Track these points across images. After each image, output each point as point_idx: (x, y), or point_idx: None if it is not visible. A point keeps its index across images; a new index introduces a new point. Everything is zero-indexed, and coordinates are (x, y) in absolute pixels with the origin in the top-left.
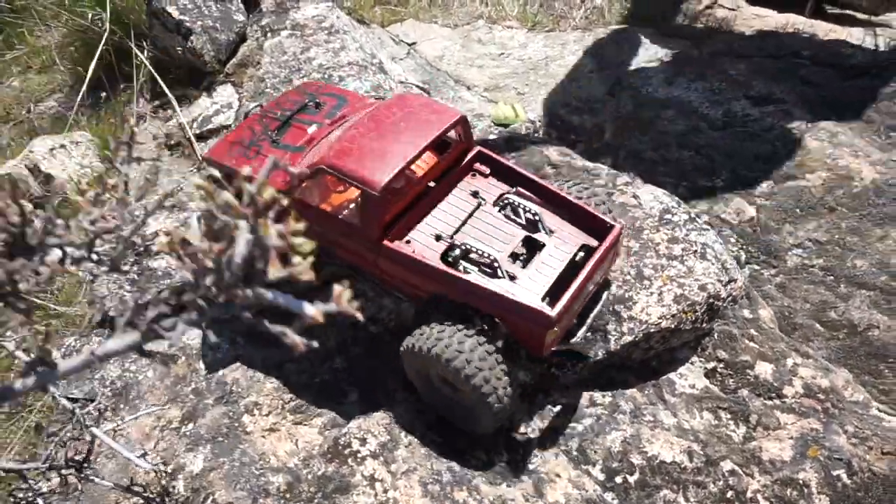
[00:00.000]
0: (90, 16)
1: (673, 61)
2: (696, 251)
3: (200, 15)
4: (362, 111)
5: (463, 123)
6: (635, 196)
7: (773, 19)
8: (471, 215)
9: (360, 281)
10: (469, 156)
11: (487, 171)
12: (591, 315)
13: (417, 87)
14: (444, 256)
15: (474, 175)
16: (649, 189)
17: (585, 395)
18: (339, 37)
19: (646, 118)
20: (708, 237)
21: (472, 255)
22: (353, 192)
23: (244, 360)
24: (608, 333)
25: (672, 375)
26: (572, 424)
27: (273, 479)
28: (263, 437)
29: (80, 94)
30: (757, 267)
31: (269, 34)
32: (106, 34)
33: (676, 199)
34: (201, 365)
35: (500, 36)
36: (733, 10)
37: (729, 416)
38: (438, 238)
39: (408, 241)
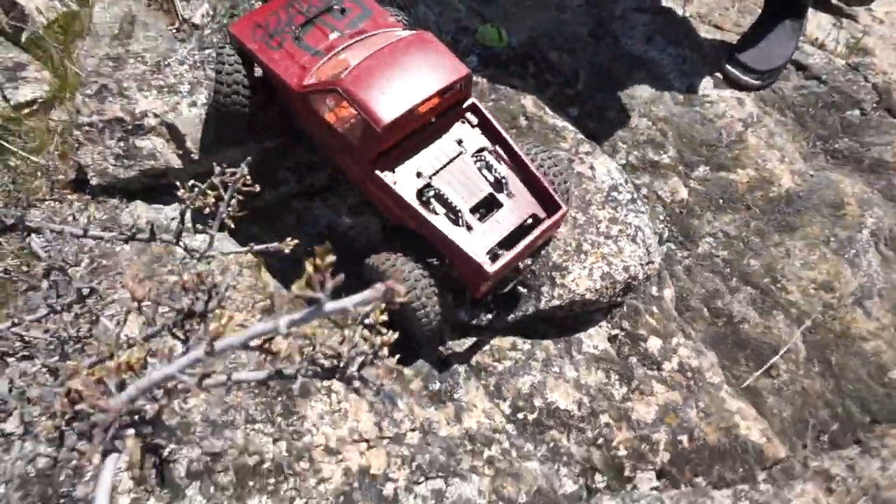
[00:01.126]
0: None
1: (657, 15)
2: (629, 234)
3: None
4: (382, 33)
5: (467, 78)
6: (592, 167)
7: None
8: (451, 161)
9: (337, 195)
10: (464, 105)
11: (476, 121)
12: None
13: None
14: (419, 193)
15: (464, 123)
16: (604, 161)
17: (510, 340)
18: None
19: (619, 75)
20: (642, 220)
21: (442, 199)
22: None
23: (221, 250)
24: (541, 294)
25: (582, 335)
26: (495, 363)
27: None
28: (234, 332)
29: None
30: (673, 247)
31: None
32: None
33: (625, 176)
34: (177, 249)
35: None
36: None
37: (617, 377)
38: (419, 175)
39: (394, 171)
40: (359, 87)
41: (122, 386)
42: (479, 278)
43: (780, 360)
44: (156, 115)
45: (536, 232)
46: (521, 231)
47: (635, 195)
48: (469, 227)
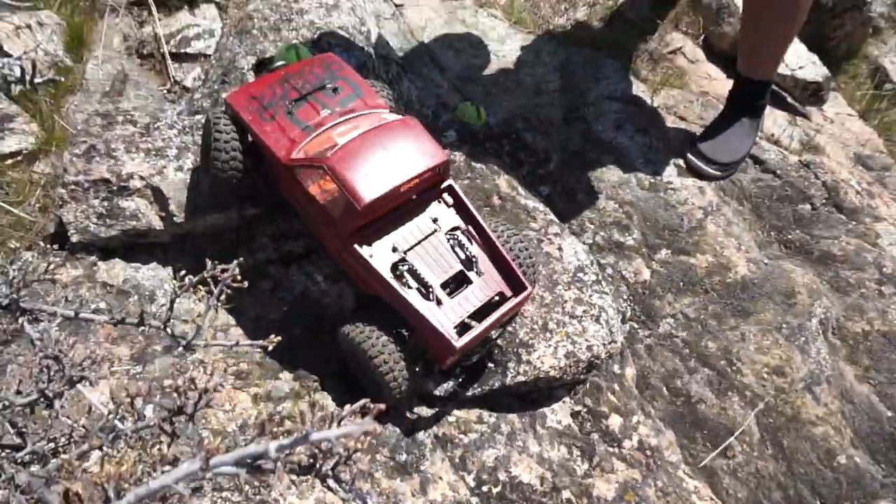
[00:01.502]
0: None
1: (626, 104)
2: (593, 314)
3: None
4: (371, 115)
5: (446, 163)
6: (560, 248)
7: (719, 85)
8: (426, 237)
9: (312, 263)
10: (442, 186)
11: (451, 202)
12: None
13: (396, 62)
14: (394, 267)
15: (440, 202)
16: (572, 243)
17: (476, 412)
18: None
19: (589, 158)
20: (605, 301)
21: (415, 274)
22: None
23: (193, 314)
24: (507, 370)
25: (546, 410)
26: (461, 436)
27: (213, 439)
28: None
29: None
30: (636, 325)
31: None
32: None
33: (591, 257)
34: (152, 308)
35: (483, 23)
36: (692, 62)
37: (579, 453)
38: (395, 250)
39: (371, 245)
40: (343, 166)
41: (119, 493)
42: (445, 351)
43: (735, 441)
44: (142, 178)
45: (502, 309)
46: (488, 307)
47: (600, 276)
48: (439, 302)
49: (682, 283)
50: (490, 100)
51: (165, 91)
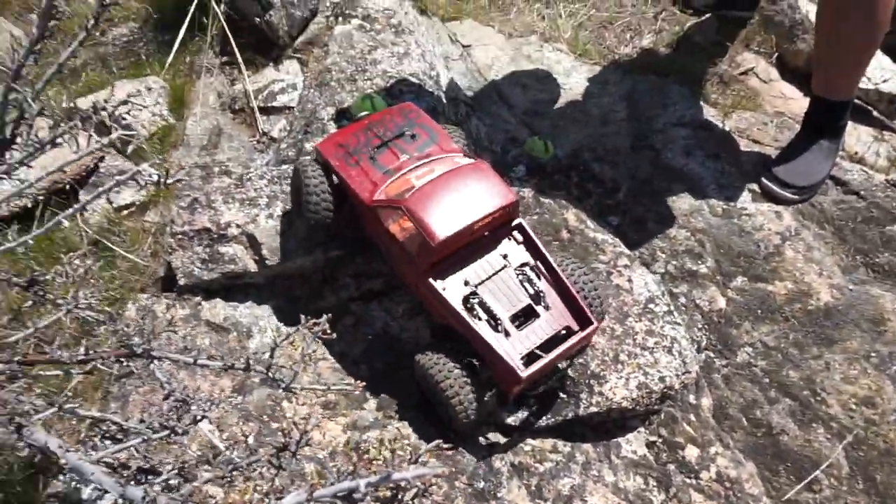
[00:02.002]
0: None
1: (696, 130)
2: (665, 345)
3: None
4: (445, 159)
5: (515, 204)
6: (630, 280)
7: (796, 104)
8: (496, 273)
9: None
10: (512, 224)
11: (521, 239)
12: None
13: (465, 103)
14: (465, 300)
15: (510, 240)
16: (642, 275)
17: (550, 442)
18: (405, 39)
19: (658, 187)
20: (678, 332)
21: (485, 307)
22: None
23: (285, 349)
24: (580, 401)
25: (621, 440)
26: (536, 464)
27: (306, 465)
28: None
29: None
30: (712, 355)
31: (339, 18)
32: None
33: (662, 288)
34: (251, 344)
35: (549, 57)
36: (765, 82)
37: (655, 483)
38: (466, 284)
39: (444, 279)
40: (419, 206)
41: None
42: (512, 380)
43: (821, 474)
44: (238, 226)
45: (568, 343)
46: (554, 340)
47: (672, 307)
48: (507, 334)
49: (759, 311)
50: (557, 132)
51: (255, 142)
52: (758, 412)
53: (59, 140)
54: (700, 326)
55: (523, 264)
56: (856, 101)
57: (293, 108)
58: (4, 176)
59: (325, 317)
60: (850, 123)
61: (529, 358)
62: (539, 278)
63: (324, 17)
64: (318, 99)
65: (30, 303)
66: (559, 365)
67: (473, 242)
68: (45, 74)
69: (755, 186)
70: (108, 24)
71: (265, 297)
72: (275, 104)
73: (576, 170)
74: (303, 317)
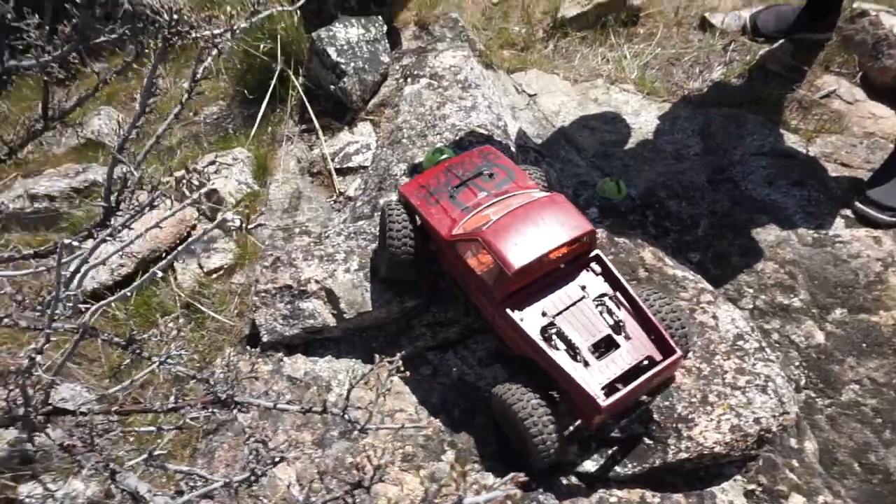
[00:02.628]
0: (261, 46)
1: (777, 158)
2: (758, 384)
3: (354, 57)
4: (522, 194)
5: (591, 233)
6: (714, 316)
7: (887, 124)
8: (574, 303)
9: (467, 349)
10: (590, 255)
11: (599, 270)
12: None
13: (534, 150)
14: (543, 330)
15: (588, 271)
16: (728, 311)
17: (638, 493)
18: (472, 93)
19: (740, 220)
20: (772, 370)
21: (563, 337)
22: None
23: (364, 402)
24: (668, 447)
25: (715, 489)
26: None
27: None
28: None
29: (235, 111)
30: (813, 394)
31: (409, 79)
32: (277, 73)
33: (751, 324)
34: (330, 397)
35: (616, 99)
36: (850, 103)
37: None
38: (544, 314)
39: (522, 310)
40: (496, 237)
41: None
42: (592, 411)
43: None
44: (317, 282)
45: (650, 372)
46: (636, 371)
47: (763, 343)
48: (586, 364)
49: (864, 345)
50: (630, 172)
51: (333, 202)
52: (871, 456)
53: (155, 203)
54: (797, 364)
55: (602, 295)
56: None
57: (367, 167)
58: (109, 238)
59: (398, 354)
60: None
61: (610, 389)
62: (619, 308)
63: (394, 79)
64: (390, 156)
65: (128, 361)
66: (643, 399)
67: (551, 273)
68: (144, 147)
69: (848, 212)
70: (199, 105)
71: (343, 350)
72: (350, 165)
73: (651, 208)
74: (377, 356)
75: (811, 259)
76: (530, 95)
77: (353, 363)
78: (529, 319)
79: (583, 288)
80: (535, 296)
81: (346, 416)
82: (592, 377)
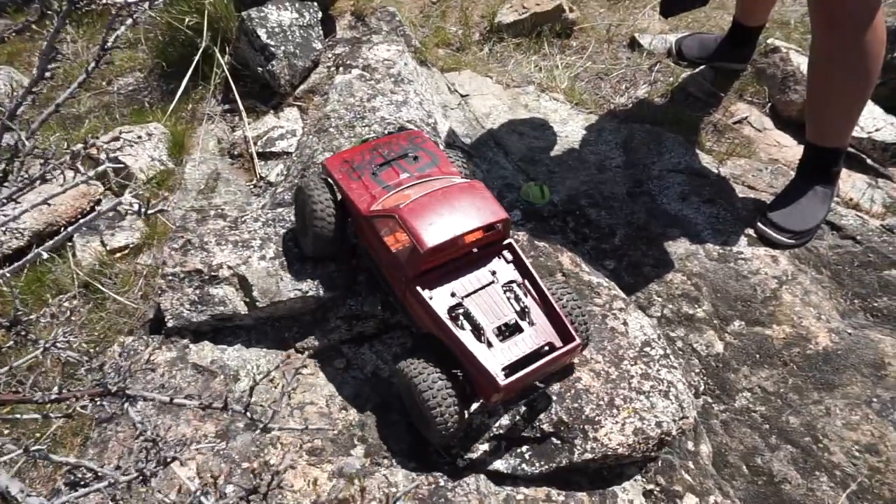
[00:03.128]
0: (186, 20)
1: (692, 176)
2: (661, 389)
3: (285, 40)
4: (443, 179)
5: (506, 221)
6: (625, 323)
7: (790, 152)
8: (483, 287)
9: (383, 343)
10: (503, 243)
11: (510, 258)
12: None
13: (462, 149)
14: (450, 310)
15: (500, 258)
16: (638, 318)
17: (544, 490)
18: (404, 88)
19: (654, 232)
20: (675, 376)
21: (470, 318)
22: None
23: (272, 393)
24: (574, 446)
25: (617, 488)
26: None
27: None
28: (268, 465)
29: (153, 84)
30: (710, 400)
31: (341, 68)
32: (201, 49)
33: (658, 332)
34: (237, 387)
35: (546, 107)
36: (759, 130)
37: None
38: (453, 295)
39: (432, 289)
40: (412, 216)
41: None
42: (492, 389)
43: None
44: (229, 268)
45: (549, 356)
46: (537, 355)
47: (668, 351)
48: (490, 345)
49: (758, 356)
50: (554, 178)
51: (252, 186)
52: (758, 459)
53: (48, 176)
54: (697, 371)
55: (511, 281)
56: (850, 149)
57: (291, 153)
58: None
59: (305, 353)
60: (844, 170)
61: (511, 369)
62: (526, 296)
63: (325, 67)
64: (316, 144)
65: (10, 343)
66: (539, 384)
67: (463, 257)
68: (41, 116)
69: (751, 231)
70: (114, 74)
71: (254, 339)
72: (273, 150)
73: (572, 215)
74: (281, 354)
75: (715, 273)
76: (462, 96)
77: (264, 353)
78: (438, 298)
79: (493, 273)
80: (446, 277)
81: (248, 414)
82: (494, 357)
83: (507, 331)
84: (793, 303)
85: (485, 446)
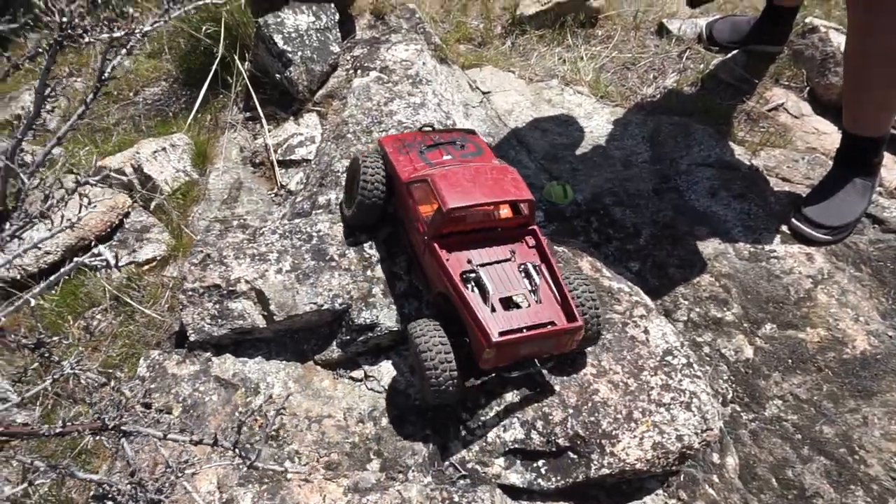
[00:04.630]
0: (203, 29)
1: (722, 169)
2: (683, 401)
3: (302, 45)
4: (483, 163)
5: (531, 204)
6: (646, 331)
7: (829, 139)
8: (499, 262)
9: (399, 355)
10: (527, 229)
11: (533, 244)
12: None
13: None
14: (463, 273)
15: (521, 242)
16: (660, 325)
17: None
18: (422, 89)
19: (681, 231)
20: (698, 386)
21: (480, 284)
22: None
23: (291, 406)
24: (591, 461)
25: (637, 503)
26: None
27: None
28: (299, 486)
29: (178, 93)
30: (738, 409)
31: (358, 71)
32: (219, 57)
33: (681, 339)
34: (257, 401)
35: (570, 101)
36: (796, 117)
37: None
38: (469, 262)
39: (450, 252)
40: (442, 180)
41: None
42: (483, 345)
43: None
44: (247, 282)
45: (548, 329)
46: (536, 329)
47: (692, 359)
48: (493, 309)
49: (790, 361)
50: (578, 176)
51: (273, 195)
52: (789, 472)
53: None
54: (726, 378)
55: (528, 263)
56: (894, 130)
57: (310, 160)
58: None
59: (287, 396)
60: (888, 156)
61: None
62: (539, 277)
63: (344, 70)
64: (333, 151)
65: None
66: (536, 362)
67: (486, 233)
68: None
69: (785, 228)
70: (140, 85)
71: (274, 351)
72: (293, 157)
73: (596, 214)
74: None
75: (746, 273)
76: (484, 93)
77: (283, 365)
78: (454, 260)
79: (512, 253)
80: (466, 245)
81: (236, 450)
82: (494, 319)
83: (513, 304)
84: (828, 304)
85: (500, 461)
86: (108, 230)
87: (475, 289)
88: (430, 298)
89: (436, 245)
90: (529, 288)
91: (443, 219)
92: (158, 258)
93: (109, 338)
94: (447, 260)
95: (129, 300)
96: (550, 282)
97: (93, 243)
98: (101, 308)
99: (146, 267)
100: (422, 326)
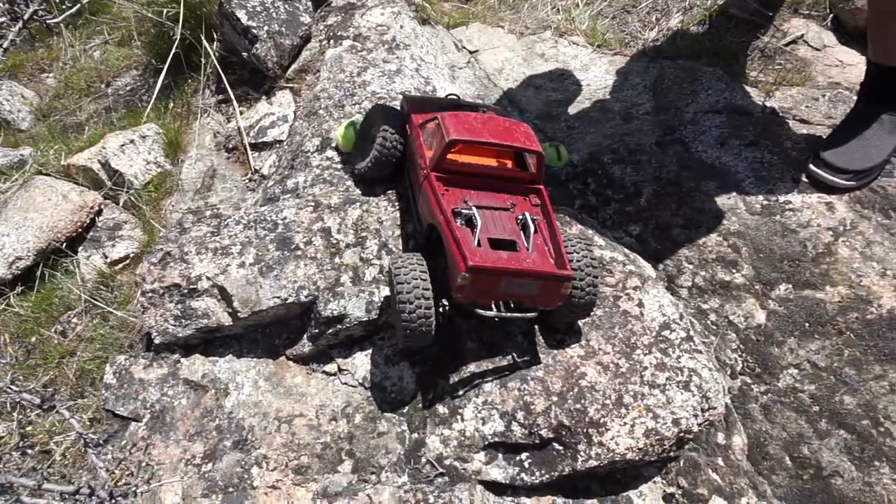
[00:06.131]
0: (164, 12)
1: (732, 116)
2: (680, 381)
3: (268, 19)
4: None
5: (539, 158)
6: (640, 304)
7: (856, 71)
8: (497, 209)
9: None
10: (533, 186)
11: (537, 202)
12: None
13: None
14: (457, 209)
15: (526, 198)
16: (656, 296)
17: (549, 500)
18: (398, 55)
19: (686, 188)
20: (698, 361)
21: (470, 222)
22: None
23: (262, 406)
24: (577, 453)
25: (633, 493)
26: None
27: None
28: (266, 493)
29: (150, 82)
30: (749, 381)
31: (332, 41)
32: (178, 39)
33: (680, 310)
34: (227, 402)
35: (564, 53)
36: (817, 49)
37: None
38: (466, 201)
39: (448, 188)
40: (451, 118)
41: None
42: (458, 269)
43: None
44: (208, 279)
45: (530, 266)
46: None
47: (692, 332)
48: (479, 244)
49: (807, 325)
50: (573, 135)
51: (248, 180)
52: (805, 449)
53: None
54: (734, 347)
55: (527, 215)
56: None
57: (283, 141)
58: None
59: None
60: None
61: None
62: (535, 230)
63: (317, 41)
64: (305, 130)
65: None
66: (521, 315)
67: (490, 181)
68: None
69: (804, 176)
70: (111, 75)
71: (245, 349)
72: (266, 139)
73: (593, 175)
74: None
75: (757, 229)
76: (471, 52)
77: (254, 363)
78: (450, 195)
79: (512, 205)
80: (467, 186)
81: (114, 501)
82: (476, 251)
83: (502, 246)
84: (851, 258)
85: (480, 455)
86: (80, 230)
87: (464, 224)
88: (422, 232)
89: (433, 176)
90: (523, 238)
91: (444, 149)
92: (132, 256)
93: (84, 342)
94: (443, 194)
95: (100, 303)
96: (547, 237)
97: (63, 245)
98: (77, 311)
99: (119, 266)
100: (405, 259)
